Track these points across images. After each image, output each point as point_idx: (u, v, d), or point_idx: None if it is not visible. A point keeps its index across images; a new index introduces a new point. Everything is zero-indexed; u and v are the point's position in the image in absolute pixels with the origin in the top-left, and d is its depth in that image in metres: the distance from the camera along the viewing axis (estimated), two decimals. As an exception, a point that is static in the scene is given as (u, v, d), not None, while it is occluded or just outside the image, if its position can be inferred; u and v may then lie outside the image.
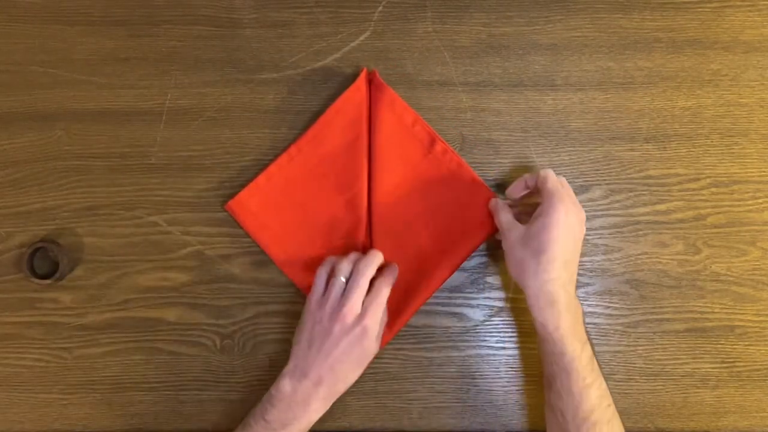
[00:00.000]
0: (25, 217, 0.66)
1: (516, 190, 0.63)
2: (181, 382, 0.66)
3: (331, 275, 0.60)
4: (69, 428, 0.66)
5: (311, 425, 0.59)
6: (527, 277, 0.57)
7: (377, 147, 0.65)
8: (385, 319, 0.61)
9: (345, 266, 0.60)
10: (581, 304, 0.66)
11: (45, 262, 0.66)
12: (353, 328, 0.57)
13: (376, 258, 0.60)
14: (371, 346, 0.58)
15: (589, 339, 0.59)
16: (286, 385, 0.58)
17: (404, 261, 0.65)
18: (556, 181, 0.60)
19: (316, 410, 0.58)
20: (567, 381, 0.57)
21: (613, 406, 0.59)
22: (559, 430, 0.59)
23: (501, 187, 0.67)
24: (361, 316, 0.57)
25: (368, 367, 0.60)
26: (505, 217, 0.62)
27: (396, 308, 0.64)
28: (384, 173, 0.65)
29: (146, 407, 0.66)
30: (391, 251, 0.65)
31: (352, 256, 0.61)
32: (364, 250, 0.65)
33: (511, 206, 0.63)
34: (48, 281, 0.64)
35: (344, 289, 0.58)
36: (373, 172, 0.65)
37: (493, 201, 0.64)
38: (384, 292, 0.59)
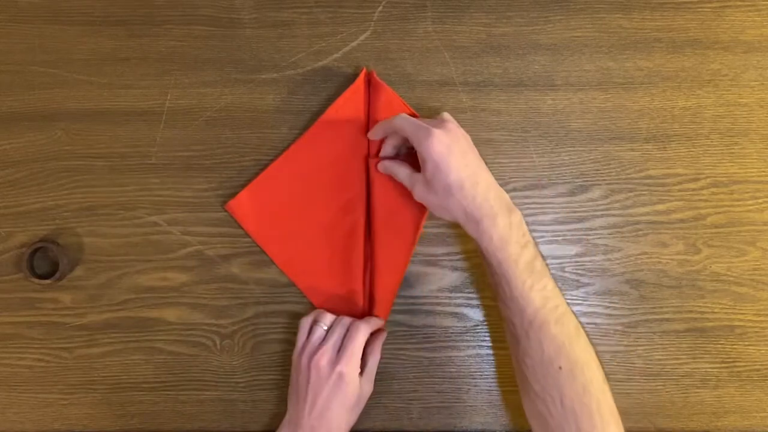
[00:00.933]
0: (25, 217, 0.66)
1: (375, 136, 0.63)
2: (181, 382, 0.66)
3: (314, 324, 0.61)
4: (69, 428, 0.66)
5: None
6: (452, 212, 0.57)
7: (375, 147, 0.65)
8: (373, 367, 0.62)
9: (328, 316, 0.61)
10: (581, 303, 0.67)
11: (45, 262, 0.66)
12: (330, 375, 0.58)
13: (365, 320, 0.61)
14: (352, 391, 0.58)
15: (534, 241, 0.58)
16: None
17: (404, 260, 0.65)
18: (402, 120, 0.59)
19: None
20: (507, 287, 0.56)
21: (562, 306, 0.56)
22: (513, 339, 0.58)
23: (500, 185, 0.67)
24: (335, 362, 0.58)
25: (363, 408, 0.61)
26: (402, 173, 0.61)
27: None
28: (382, 173, 0.65)
29: (146, 407, 0.66)
30: (391, 250, 0.65)
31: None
32: (363, 249, 0.65)
33: (395, 157, 0.63)
34: (48, 281, 0.64)
35: (323, 338, 0.60)
36: (372, 171, 0.65)
37: (381, 163, 0.63)
38: (359, 338, 0.59)
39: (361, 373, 0.59)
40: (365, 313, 0.65)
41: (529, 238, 0.57)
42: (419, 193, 0.59)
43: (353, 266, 0.65)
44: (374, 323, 0.62)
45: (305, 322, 0.61)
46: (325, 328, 0.60)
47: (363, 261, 0.65)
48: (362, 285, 0.65)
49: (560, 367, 0.55)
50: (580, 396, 0.54)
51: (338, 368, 0.57)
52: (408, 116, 0.60)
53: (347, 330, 0.60)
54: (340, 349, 0.59)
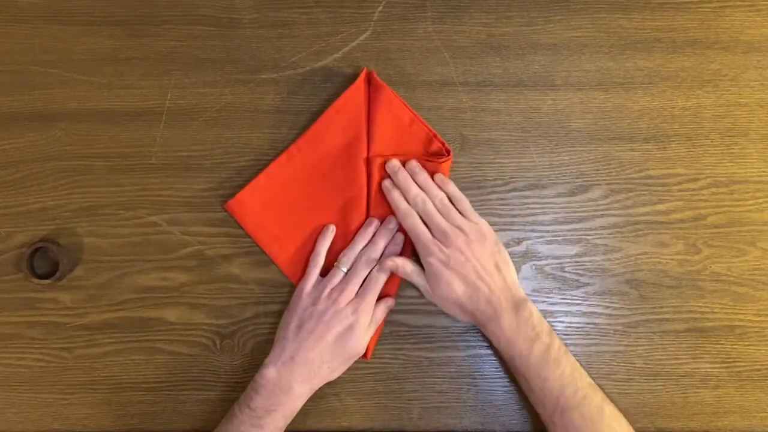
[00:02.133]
0: (25, 217, 0.66)
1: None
2: (181, 382, 0.66)
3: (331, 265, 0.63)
4: (69, 428, 0.66)
5: (295, 412, 0.59)
6: (462, 316, 0.62)
7: (375, 147, 0.65)
8: (373, 330, 0.62)
9: (348, 257, 0.63)
10: (581, 303, 0.67)
11: (45, 262, 0.66)
12: (346, 316, 0.59)
13: (377, 251, 0.63)
14: (361, 338, 0.60)
15: (549, 328, 0.60)
16: (270, 371, 0.58)
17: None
18: (412, 225, 0.61)
19: (300, 395, 0.59)
20: (524, 381, 0.60)
21: (582, 389, 0.58)
22: (544, 423, 0.60)
23: (500, 186, 0.67)
24: (356, 305, 0.60)
25: (350, 367, 0.62)
26: (418, 281, 0.63)
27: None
28: (382, 173, 0.65)
29: (146, 407, 0.66)
30: (389, 248, 0.65)
31: (358, 244, 0.63)
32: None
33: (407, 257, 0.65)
34: (48, 281, 0.64)
35: (343, 278, 0.62)
36: (371, 171, 0.65)
37: (395, 265, 0.63)
38: (377, 290, 0.61)
39: None
40: None
41: (539, 330, 0.59)
42: (431, 300, 0.63)
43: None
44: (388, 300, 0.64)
45: (317, 260, 0.63)
46: (345, 270, 0.62)
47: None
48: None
49: None
50: None
51: (357, 311, 0.59)
52: (417, 221, 0.61)
53: (366, 278, 0.62)
54: (358, 295, 0.61)
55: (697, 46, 0.69)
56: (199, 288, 0.66)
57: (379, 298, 0.64)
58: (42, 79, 0.67)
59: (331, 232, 0.64)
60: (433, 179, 0.64)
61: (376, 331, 0.64)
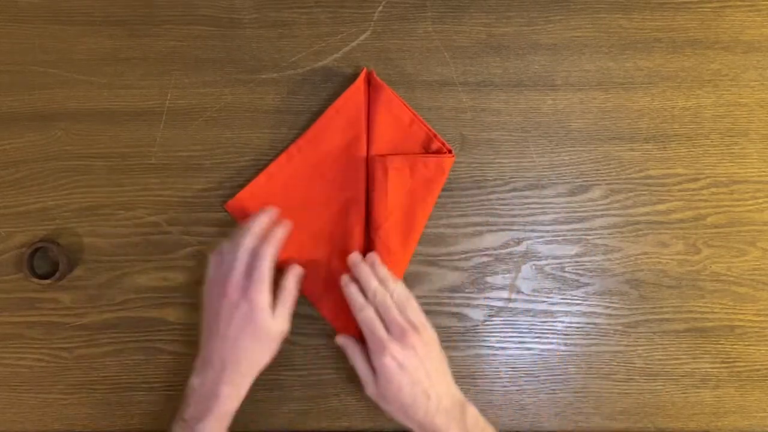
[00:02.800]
0: (25, 217, 0.66)
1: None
2: (181, 382, 0.65)
3: (217, 256, 0.60)
4: (69, 428, 0.66)
5: (230, 414, 0.58)
6: (403, 422, 0.59)
7: (375, 147, 0.65)
8: (288, 304, 0.60)
9: (231, 245, 0.60)
10: (581, 303, 0.67)
11: (45, 262, 0.66)
12: (239, 304, 0.57)
13: (255, 227, 0.60)
14: (265, 320, 0.57)
15: (489, 427, 0.60)
16: (194, 380, 0.58)
17: (404, 259, 0.65)
18: (365, 319, 0.59)
19: (228, 396, 0.57)
20: None
21: None
22: None
23: (500, 186, 0.67)
24: (244, 290, 0.57)
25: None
26: (361, 367, 0.61)
27: None
28: (382, 172, 0.65)
29: (146, 407, 0.66)
30: (390, 247, 0.65)
31: (237, 233, 0.60)
32: (363, 249, 0.65)
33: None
34: (48, 281, 0.64)
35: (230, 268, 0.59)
36: (372, 171, 0.65)
37: (343, 339, 0.63)
38: (264, 264, 0.57)
39: (273, 309, 0.58)
40: None
41: (471, 426, 0.59)
42: (372, 394, 0.60)
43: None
44: (274, 245, 0.60)
45: (212, 257, 0.60)
46: (221, 256, 0.59)
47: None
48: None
49: None
50: None
51: (247, 295, 0.56)
52: (373, 315, 0.59)
53: (253, 257, 0.58)
54: (245, 278, 0.57)
55: (697, 46, 0.69)
56: (199, 288, 0.66)
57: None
58: (42, 79, 0.67)
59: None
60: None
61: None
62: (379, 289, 0.60)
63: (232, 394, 0.57)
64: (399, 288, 0.61)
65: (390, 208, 0.64)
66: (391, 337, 0.59)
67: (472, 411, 0.60)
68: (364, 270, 0.61)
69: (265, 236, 0.60)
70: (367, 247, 0.66)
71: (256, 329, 0.57)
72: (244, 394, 0.59)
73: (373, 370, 0.60)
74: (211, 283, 0.59)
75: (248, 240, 0.59)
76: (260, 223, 0.61)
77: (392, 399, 0.58)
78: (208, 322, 0.59)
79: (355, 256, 0.63)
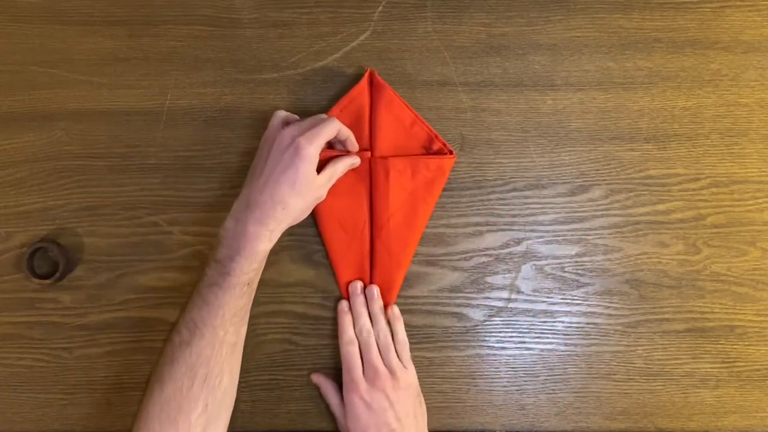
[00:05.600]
0: (25, 217, 0.66)
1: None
2: (181, 382, 0.66)
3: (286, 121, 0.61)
4: (69, 428, 0.66)
5: (258, 255, 0.57)
6: None
7: (377, 147, 0.65)
8: (329, 178, 0.61)
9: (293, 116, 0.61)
10: (581, 303, 0.67)
11: (45, 262, 0.66)
12: (288, 146, 0.57)
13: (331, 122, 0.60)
14: (307, 170, 0.57)
15: None
16: (229, 221, 0.58)
17: (406, 259, 0.65)
18: (345, 351, 0.62)
19: (257, 236, 0.57)
20: None
21: None
22: None
23: (500, 186, 0.67)
24: (296, 137, 0.57)
25: (311, 203, 0.60)
26: (334, 405, 0.63)
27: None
28: (385, 173, 0.65)
29: (146, 407, 0.66)
30: (393, 249, 0.65)
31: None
32: (368, 245, 0.66)
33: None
34: (48, 281, 0.64)
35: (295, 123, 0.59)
36: (374, 170, 0.65)
37: (317, 378, 0.65)
38: (329, 126, 0.58)
39: (319, 172, 0.59)
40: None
41: None
42: (338, 421, 0.63)
43: (356, 265, 0.65)
44: (345, 133, 0.62)
45: (274, 115, 0.61)
46: (281, 115, 0.61)
47: (367, 260, 0.65)
48: (367, 281, 0.66)
49: None
50: None
51: (297, 139, 0.57)
52: (354, 352, 0.62)
53: (319, 120, 0.59)
54: (303, 130, 0.58)
55: (697, 46, 0.69)
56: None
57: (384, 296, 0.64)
58: (42, 79, 0.67)
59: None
60: (387, 311, 0.65)
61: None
62: (366, 327, 0.63)
63: (261, 235, 0.57)
64: (385, 330, 0.64)
65: (391, 209, 0.65)
66: (363, 378, 0.61)
67: None
68: (358, 303, 0.65)
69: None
70: (371, 247, 0.65)
71: (297, 175, 0.57)
72: (275, 239, 0.58)
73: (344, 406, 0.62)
74: (269, 133, 0.60)
75: (322, 115, 0.60)
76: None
77: None
78: (253, 167, 0.59)
79: (355, 286, 0.65)
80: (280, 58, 0.68)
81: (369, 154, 0.65)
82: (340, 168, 0.62)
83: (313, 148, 0.57)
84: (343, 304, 0.65)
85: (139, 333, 0.66)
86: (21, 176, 0.67)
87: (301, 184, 0.57)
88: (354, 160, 0.63)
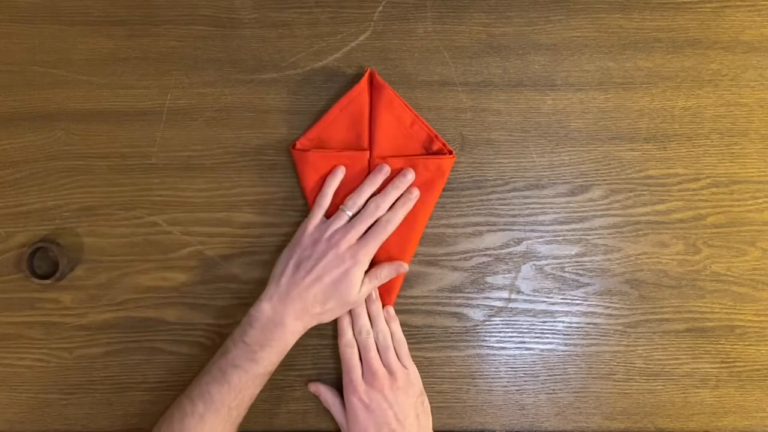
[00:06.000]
0: (25, 217, 0.66)
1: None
2: (181, 382, 0.66)
3: (337, 209, 0.62)
4: (69, 428, 0.66)
5: (288, 348, 0.59)
6: None
7: (376, 147, 0.65)
8: (373, 285, 0.62)
9: (354, 201, 0.62)
10: (581, 303, 0.67)
11: (45, 262, 0.66)
12: (344, 260, 0.59)
13: (386, 200, 0.62)
14: (353, 287, 0.59)
15: None
16: (265, 305, 0.59)
17: (406, 259, 0.65)
18: (345, 352, 0.62)
19: (293, 331, 0.59)
20: None
21: None
22: None
23: (500, 186, 0.67)
24: (355, 249, 0.59)
25: (346, 310, 0.61)
26: (336, 414, 0.63)
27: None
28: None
29: (146, 407, 0.66)
30: (392, 249, 0.65)
31: (365, 190, 0.63)
32: None
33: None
34: (48, 281, 0.64)
35: (347, 222, 0.61)
36: (372, 174, 0.65)
37: (316, 387, 0.65)
38: (382, 236, 0.61)
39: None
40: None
41: None
42: (339, 424, 0.63)
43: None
44: (397, 264, 0.63)
45: (324, 201, 0.62)
46: (350, 214, 0.62)
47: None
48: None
49: None
50: None
51: (358, 255, 0.59)
52: (354, 353, 0.62)
53: (372, 224, 0.61)
54: (360, 242, 0.60)
55: (697, 46, 0.69)
56: (199, 288, 0.66)
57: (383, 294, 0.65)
58: (42, 79, 0.67)
59: (340, 173, 0.64)
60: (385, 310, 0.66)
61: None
62: (365, 327, 0.63)
63: (296, 331, 0.59)
64: (385, 330, 0.63)
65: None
66: (362, 379, 0.61)
67: None
68: (359, 311, 0.64)
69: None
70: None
71: (345, 286, 0.59)
72: (298, 337, 0.60)
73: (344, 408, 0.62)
74: (324, 227, 0.61)
75: (380, 211, 0.62)
76: (390, 199, 0.63)
77: None
78: (300, 257, 0.60)
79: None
80: (280, 58, 0.68)
81: (368, 154, 0.65)
82: (380, 280, 0.63)
83: (367, 261, 0.60)
84: None
85: (139, 333, 0.66)
86: (21, 176, 0.67)
87: (349, 295, 0.59)
88: (401, 268, 0.64)
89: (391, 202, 0.63)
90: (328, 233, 0.60)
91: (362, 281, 0.60)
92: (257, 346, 0.57)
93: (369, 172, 0.65)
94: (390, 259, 0.65)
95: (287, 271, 0.60)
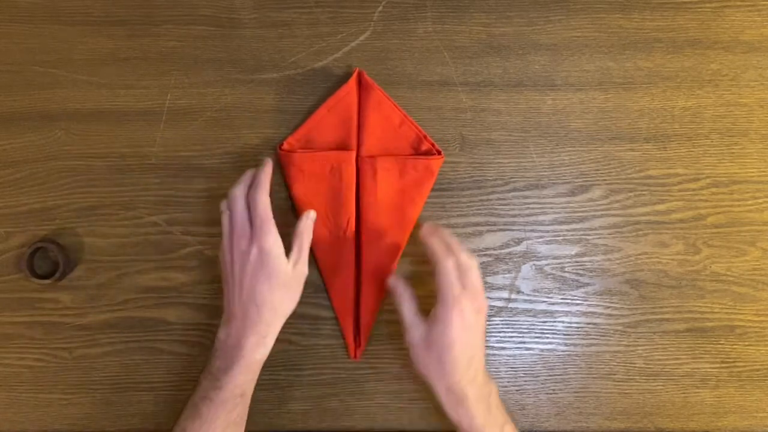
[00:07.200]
0: (25, 217, 0.66)
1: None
2: (181, 382, 0.66)
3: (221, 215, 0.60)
4: (69, 428, 0.66)
5: (256, 365, 0.58)
6: (433, 379, 0.58)
7: (365, 147, 0.65)
8: (305, 243, 0.60)
9: (224, 202, 0.60)
10: (581, 303, 0.67)
11: (45, 262, 0.66)
12: (249, 250, 0.57)
13: (241, 179, 0.60)
14: (277, 263, 0.57)
15: (507, 414, 0.59)
16: (221, 333, 0.58)
17: (391, 258, 0.65)
18: (443, 268, 0.57)
19: (253, 346, 0.57)
20: None
21: None
22: None
23: (500, 186, 0.67)
24: (251, 237, 0.57)
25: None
26: (407, 312, 0.60)
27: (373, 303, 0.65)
28: (372, 173, 0.65)
29: (146, 407, 0.66)
30: (379, 247, 0.65)
31: (240, 184, 0.60)
32: (355, 244, 0.65)
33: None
34: (48, 281, 0.64)
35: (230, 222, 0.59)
36: (362, 170, 0.65)
37: (393, 281, 0.62)
38: (260, 207, 0.57)
39: (288, 253, 0.58)
40: (356, 310, 0.66)
41: (506, 417, 0.59)
42: (412, 340, 0.59)
43: (343, 263, 0.65)
44: (264, 187, 0.59)
45: (222, 219, 0.60)
46: (227, 212, 0.59)
47: (353, 257, 0.65)
48: (353, 280, 0.65)
49: None
50: None
51: (255, 241, 0.57)
52: (454, 265, 0.58)
53: (250, 206, 0.58)
54: (252, 227, 0.57)
55: (697, 46, 0.69)
56: (199, 288, 0.66)
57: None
58: (42, 79, 0.67)
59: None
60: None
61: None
62: (456, 245, 0.59)
63: (256, 345, 0.57)
64: (465, 255, 0.59)
65: (379, 208, 0.64)
66: (465, 292, 0.58)
67: (496, 393, 0.60)
68: (444, 231, 0.61)
69: (253, 182, 0.60)
70: (358, 247, 0.65)
71: (270, 273, 0.57)
72: (271, 342, 0.58)
73: (423, 318, 0.59)
74: (224, 243, 0.59)
75: (238, 189, 0.59)
76: (245, 176, 0.61)
77: (437, 351, 0.57)
78: (225, 277, 0.59)
79: (428, 227, 0.62)
80: (280, 58, 0.68)
81: (354, 153, 0.65)
82: (305, 237, 0.60)
83: (270, 238, 0.57)
84: (427, 227, 0.61)
85: (139, 333, 0.66)
86: (21, 176, 0.67)
87: (277, 278, 0.57)
88: (309, 215, 0.61)
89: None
90: (226, 242, 0.58)
91: (289, 254, 0.58)
92: (220, 373, 0.56)
93: (357, 172, 0.65)
94: (380, 259, 0.65)
95: (225, 299, 0.59)
